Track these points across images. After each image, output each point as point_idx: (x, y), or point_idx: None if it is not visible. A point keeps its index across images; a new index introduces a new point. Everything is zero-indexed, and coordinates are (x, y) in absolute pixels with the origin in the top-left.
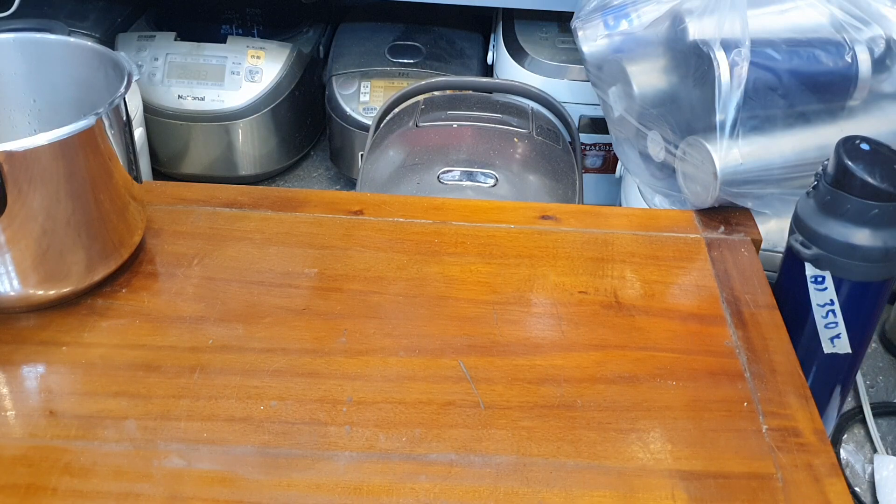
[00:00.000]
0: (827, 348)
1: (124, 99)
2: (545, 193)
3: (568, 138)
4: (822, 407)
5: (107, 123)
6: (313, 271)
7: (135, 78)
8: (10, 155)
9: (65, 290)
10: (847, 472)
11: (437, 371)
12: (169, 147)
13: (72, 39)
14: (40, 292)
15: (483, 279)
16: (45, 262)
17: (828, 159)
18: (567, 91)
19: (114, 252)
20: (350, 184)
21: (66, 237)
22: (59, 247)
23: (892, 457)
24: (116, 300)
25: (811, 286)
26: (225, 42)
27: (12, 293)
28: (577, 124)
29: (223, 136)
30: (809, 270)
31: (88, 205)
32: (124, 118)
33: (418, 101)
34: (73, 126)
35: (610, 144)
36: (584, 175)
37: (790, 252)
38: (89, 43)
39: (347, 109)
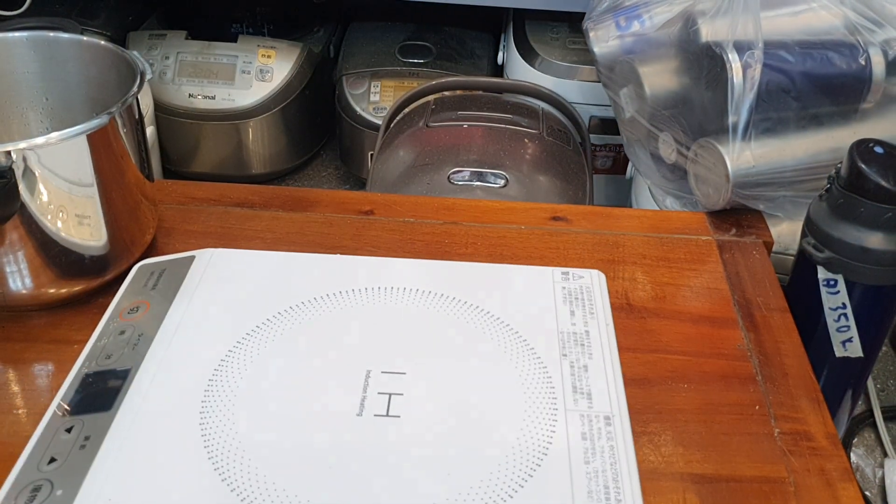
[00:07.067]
0: (839, 352)
1: (137, 98)
2: (555, 194)
3: (578, 139)
4: (833, 411)
5: (119, 122)
6: None
7: (147, 77)
8: (23, 153)
9: (76, 288)
10: (857, 476)
11: None
12: (179, 146)
13: (85, 38)
14: (52, 290)
15: None
16: (57, 261)
17: (841, 162)
18: (577, 92)
19: (125, 251)
20: (359, 183)
21: (79, 236)
22: (71, 245)
23: None
24: None
25: (823, 289)
26: (236, 41)
27: (24, 291)
28: (587, 125)
29: (233, 134)
30: (822, 274)
31: (101, 204)
32: (137, 117)
33: (429, 101)
34: (86, 125)
35: (620, 145)
36: (594, 176)
37: (802, 255)
38: (102, 42)
39: (357, 109)
